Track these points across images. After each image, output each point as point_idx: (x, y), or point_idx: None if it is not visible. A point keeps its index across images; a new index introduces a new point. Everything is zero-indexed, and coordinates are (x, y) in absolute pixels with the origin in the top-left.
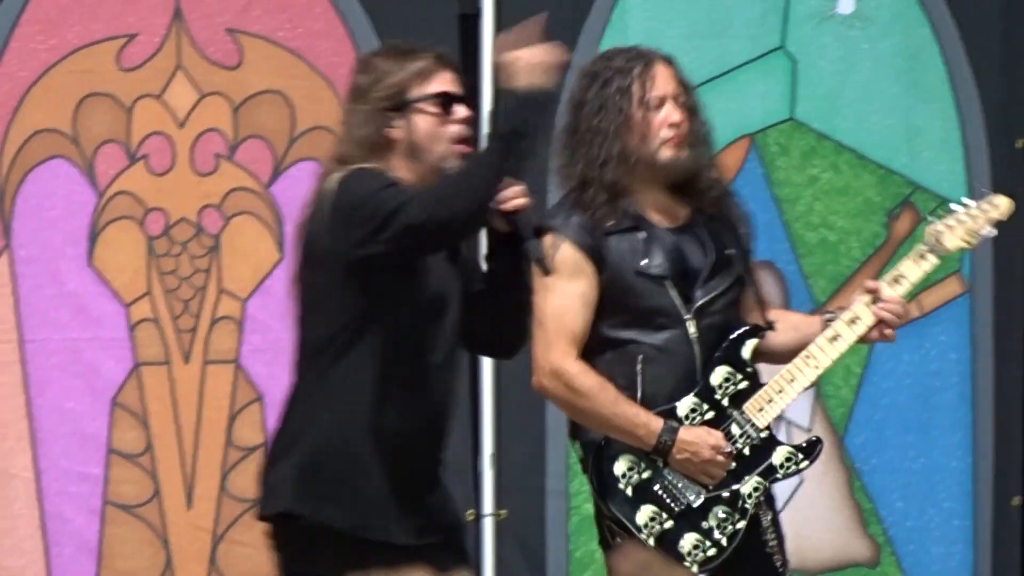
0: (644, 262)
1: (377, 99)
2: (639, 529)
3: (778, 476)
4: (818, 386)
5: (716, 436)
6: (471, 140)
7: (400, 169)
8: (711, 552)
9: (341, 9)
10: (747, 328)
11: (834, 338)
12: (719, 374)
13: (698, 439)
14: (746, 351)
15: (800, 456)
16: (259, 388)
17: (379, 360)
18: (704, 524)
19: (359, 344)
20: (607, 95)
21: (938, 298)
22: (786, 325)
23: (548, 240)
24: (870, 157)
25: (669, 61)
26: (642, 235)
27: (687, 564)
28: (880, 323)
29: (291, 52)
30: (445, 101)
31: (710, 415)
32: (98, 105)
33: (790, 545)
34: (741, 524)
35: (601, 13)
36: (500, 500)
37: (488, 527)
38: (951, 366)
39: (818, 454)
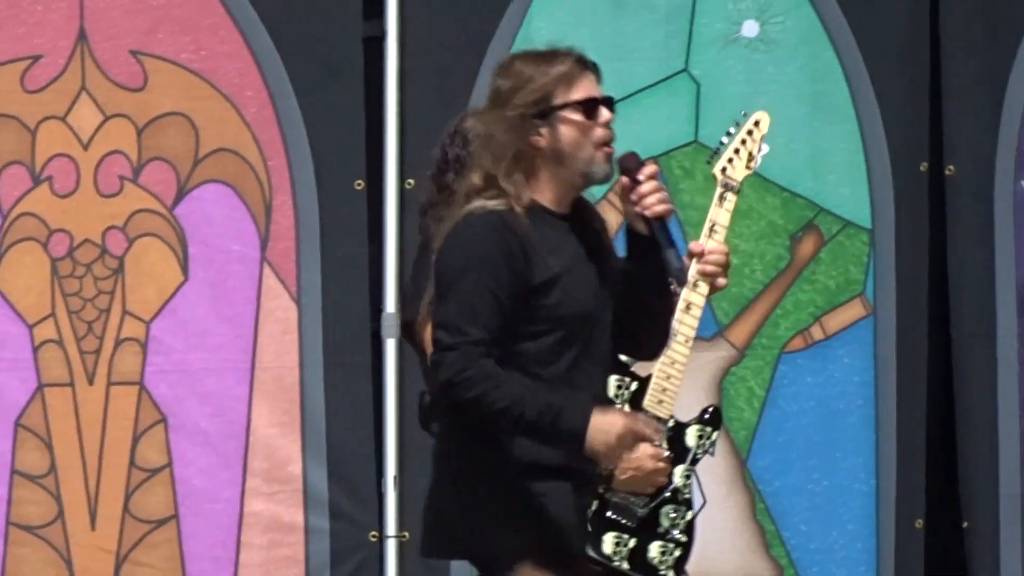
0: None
1: (521, 105)
2: (609, 559)
3: (699, 456)
4: (724, 409)
5: (651, 446)
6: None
7: (545, 176)
8: (677, 552)
9: (245, 32)
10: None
11: (687, 307)
12: (610, 385)
13: (639, 454)
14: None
15: (709, 429)
16: (163, 409)
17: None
18: (660, 528)
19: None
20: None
21: (842, 321)
22: None
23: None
24: (774, 180)
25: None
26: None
27: (663, 573)
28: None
29: (195, 74)
30: (590, 106)
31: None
32: (2, 127)
33: (693, 567)
34: (689, 514)
35: (506, 36)
36: (403, 522)
37: (391, 549)
38: (855, 388)
39: (720, 417)
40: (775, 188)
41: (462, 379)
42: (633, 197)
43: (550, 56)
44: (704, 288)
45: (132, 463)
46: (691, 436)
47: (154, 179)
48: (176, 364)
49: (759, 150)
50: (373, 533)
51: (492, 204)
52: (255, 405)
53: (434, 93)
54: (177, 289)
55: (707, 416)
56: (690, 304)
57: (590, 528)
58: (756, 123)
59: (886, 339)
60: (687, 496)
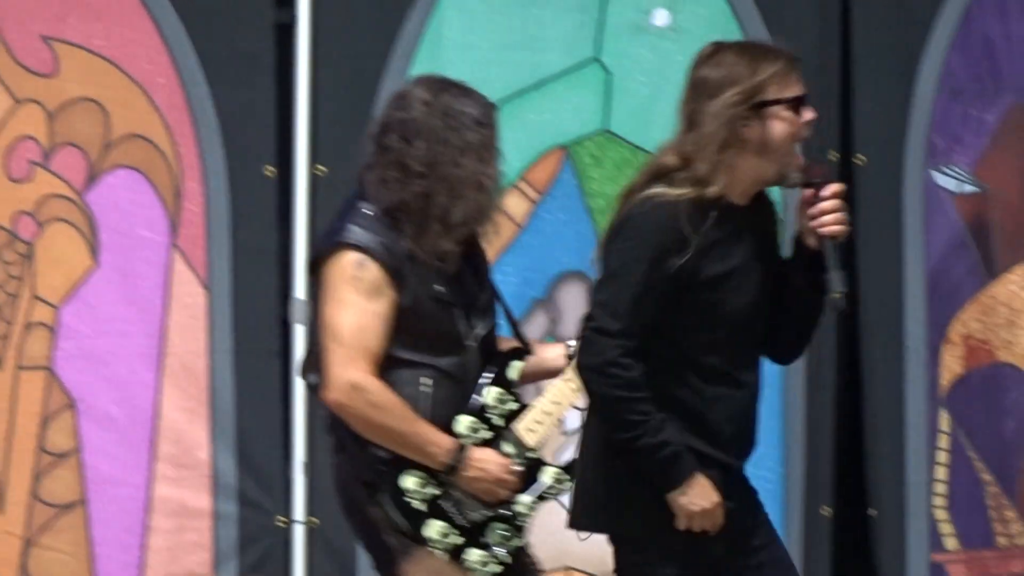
0: (438, 288)
1: (733, 97)
2: (429, 542)
3: (547, 495)
4: None
5: (501, 457)
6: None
7: (745, 166)
8: (495, 568)
9: (156, 18)
10: (512, 350)
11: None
12: (491, 396)
13: (488, 458)
14: (512, 372)
15: (566, 477)
16: (71, 394)
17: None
18: (486, 540)
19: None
20: (465, 143)
21: None
22: (540, 348)
23: (353, 257)
24: None
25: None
26: (436, 263)
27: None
28: None
29: (107, 60)
30: (799, 104)
31: (486, 435)
32: None
33: (600, 553)
34: (519, 541)
35: (416, 24)
36: (312, 508)
37: (299, 535)
38: (766, 376)
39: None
40: None
41: (612, 375)
42: (812, 211)
43: (763, 51)
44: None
45: (40, 447)
46: (548, 475)
47: (65, 164)
48: (85, 349)
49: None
50: (281, 519)
51: (675, 193)
52: (163, 391)
53: (345, 80)
54: (87, 275)
55: (569, 466)
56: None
57: (420, 508)
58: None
59: None
60: (522, 525)
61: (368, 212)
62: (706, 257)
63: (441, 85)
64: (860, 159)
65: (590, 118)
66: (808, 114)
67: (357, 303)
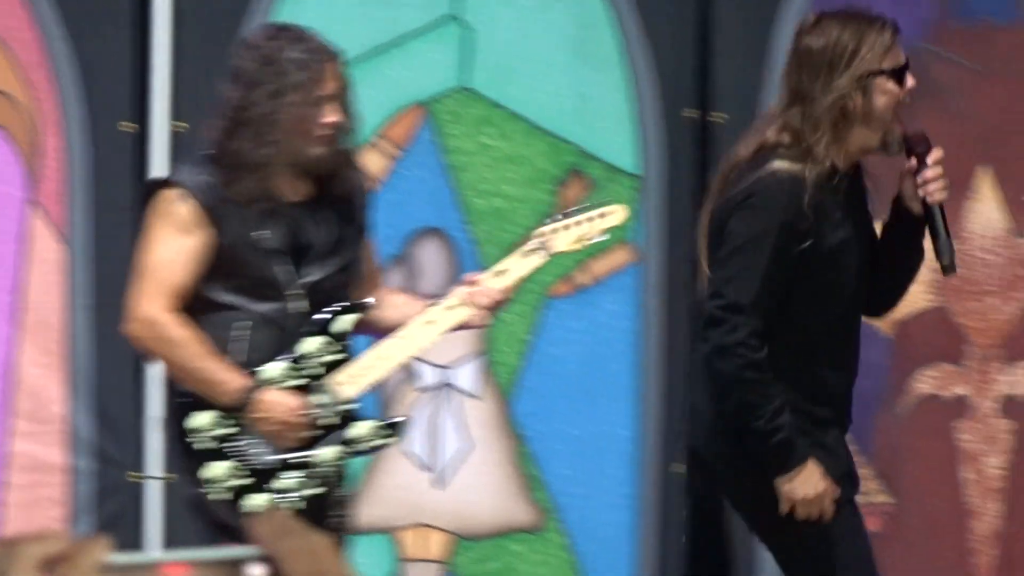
0: (259, 233)
1: (842, 73)
2: (210, 482)
3: (355, 449)
4: (487, 353)
5: (292, 400)
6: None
7: (852, 138)
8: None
9: None
10: (345, 304)
11: (429, 322)
12: (312, 345)
13: (275, 400)
14: (340, 325)
15: (382, 432)
16: None
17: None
18: (277, 485)
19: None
20: (281, 86)
21: (607, 267)
22: (392, 304)
23: (170, 194)
24: (541, 126)
25: (337, 58)
26: (263, 207)
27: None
28: (476, 310)
29: None
30: (902, 74)
31: (300, 383)
32: None
33: (455, 509)
34: (316, 490)
35: None
36: (167, 463)
37: (155, 490)
38: (620, 335)
39: (402, 433)
40: (542, 133)
41: (740, 354)
42: (918, 180)
43: (868, 20)
44: (457, 316)
45: None
46: (359, 428)
47: None
48: None
49: (595, 237)
50: (133, 474)
51: (796, 168)
52: (20, 345)
53: (205, 35)
54: None
55: (389, 422)
56: (432, 320)
57: (210, 447)
58: (608, 213)
59: (652, 287)
60: (323, 474)
61: (201, 155)
62: (826, 229)
63: (275, 32)
64: (718, 117)
65: (448, 75)
66: (911, 81)
67: (166, 238)
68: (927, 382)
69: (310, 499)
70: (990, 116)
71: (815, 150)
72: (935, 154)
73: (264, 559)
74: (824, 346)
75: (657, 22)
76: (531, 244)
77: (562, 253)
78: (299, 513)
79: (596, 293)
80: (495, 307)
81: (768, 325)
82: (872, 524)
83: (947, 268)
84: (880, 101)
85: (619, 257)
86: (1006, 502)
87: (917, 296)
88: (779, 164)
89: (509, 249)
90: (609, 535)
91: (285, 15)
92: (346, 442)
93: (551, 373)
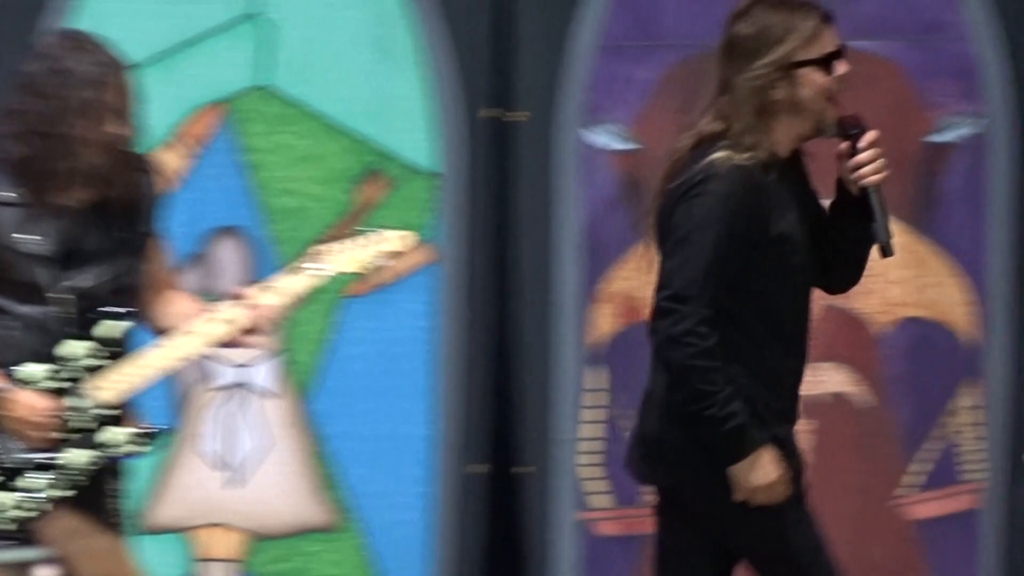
0: (23, 237)
1: (765, 59)
2: None
3: (108, 454)
4: (285, 352)
5: (40, 400)
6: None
7: (781, 126)
8: (32, 514)
9: None
10: (113, 310)
11: (189, 332)
12: (73, 348)
13: (22, 400)
14: (106, 330)
15: (137, 439)
16: None
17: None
18: (23, 484)
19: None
20: (66, 97)
21: (405, 267)
22: (172, 310)
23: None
24: (339, 124)
25: (124, 69)
26: (26, 210)
27: (6, 519)
28: (245, 327)
29: None
30: (830, 61)
31: (61, 385)
32: None
33: (251, 509)
34: (65, 492)
35: None
36: None
37: None
38: (417, 334)
39: (157, 441)
40: (340, 132)
41: (689, 343)
42: (850, 164)
43: (795, 7)
44: (217, 328)
45: None
46: (117, 433)
47: None
48: None
49: (375, 261)
50: None
51: (738, 158)
52: None
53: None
54: None
55: (143, 431)
56: (193, 331)
57: None
58: (386, 238)
59: (451, 286)
60: (73, 477)
61: None
62: (771, 215)
63: (63, 41)
64: (517, 116)
65: (247, 73)
66: (841, 68)
67: None
68: None
69: (92, 500)
70: None
71: (743, 140)
72: (868, 136)
73: (53, 560)
74: (778, 332)
75: (457, 21)
76: (306, 262)
77: (338, 273)
78: (84, 514)
79: (394, 292)
80: (262, 324)
81: (723, 313)
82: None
83: (885, 249)
84: (805, 91)
85: (417, 257)
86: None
87: None
88: (719, 154)
89: (307, 248)
90: (404, 535)
91: (83, 11)
92: (99, 446)
93: (349, 372)
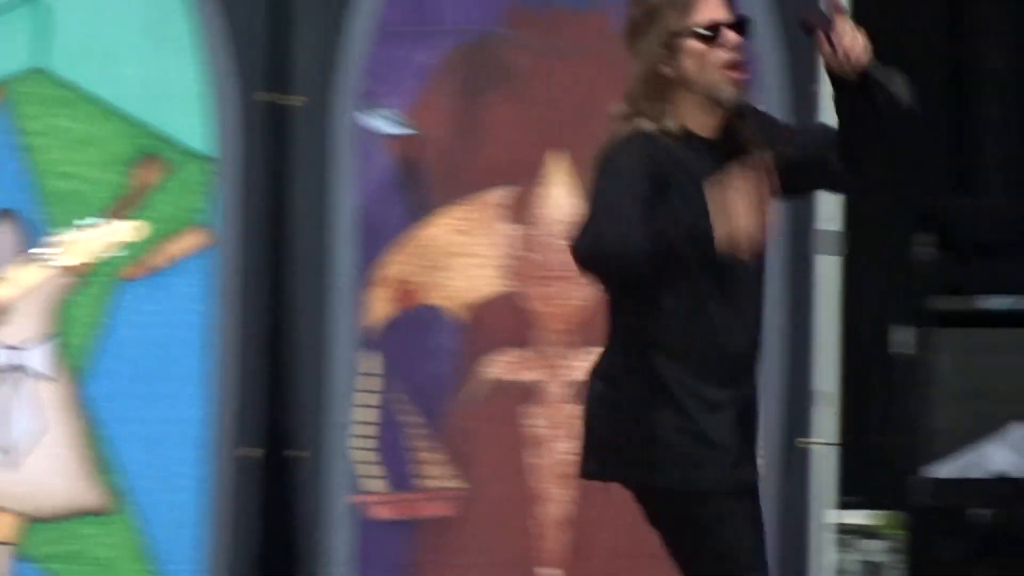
0: None
1: (645, 32)
2: None
3: None
4: (59, 335)
5: None
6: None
7: (681, 102)
8: None
9: None
10: None
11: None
12: None
13: None
14: None
15: None
16: None
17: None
18: None
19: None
20: None
21: (180, 250)
22: None
23: None
24: (117, 108)
25: None
26: None
27: None
28: None
29: None
30: (711, 30)
31: None
32: None
33: (25, 491)
34: None
35: None
36: None
37: None
38: (192, 318)
39: None
40: (118, 116)
41: (592, 244)
42: (840, 55)
43: None
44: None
45: None
46: None
47: None
48: None
49: (105, 252)
50: None
51: (644, 125)
52: None
53: None
54: None
55: None
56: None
57: None
58: (116, 228)
59: (227, 270)
60: None
61: None
62: (671, 182)
63: None
64: (293, 99)
65: (24, 55)
66: (728, 38)
67: None
68: (497, 367)
69: None
70: (564, 101)
71: (648, 115)
72: (839, 24)
73: None
74: (713, 303)
75: (233, 4)
76: (39, 253)
77: (70, 266)
78: None
79: (170, 276)
80: None
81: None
82: (443, 509)
83: (908, 107)
84: (688, 62)
85: (192, 240)
86: (577, 487)
87: (487, 281)
88: (629, 127)
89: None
90: (178, 518)
91: None
92: None
93: (124, 356)
